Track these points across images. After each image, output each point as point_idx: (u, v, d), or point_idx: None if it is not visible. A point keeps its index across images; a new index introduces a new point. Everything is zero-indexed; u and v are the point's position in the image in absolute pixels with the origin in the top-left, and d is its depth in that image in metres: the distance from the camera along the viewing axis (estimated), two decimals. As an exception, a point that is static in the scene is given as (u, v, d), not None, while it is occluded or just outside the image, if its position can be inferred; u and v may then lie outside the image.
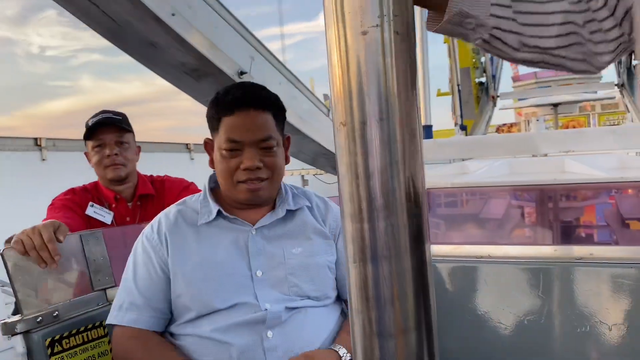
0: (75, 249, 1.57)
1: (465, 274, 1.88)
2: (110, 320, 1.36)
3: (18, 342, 1.35)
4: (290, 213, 1.42)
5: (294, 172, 12.40)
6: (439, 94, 13.50)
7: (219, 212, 1.38)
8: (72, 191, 2.17)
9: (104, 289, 1.60)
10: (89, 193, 2.17)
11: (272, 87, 2.68)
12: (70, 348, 1.42)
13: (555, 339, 1.69)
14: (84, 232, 1.63)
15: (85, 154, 2.20)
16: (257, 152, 1.32)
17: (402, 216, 0.39)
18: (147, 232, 1.42)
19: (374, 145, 0.39)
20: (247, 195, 1.35)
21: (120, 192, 2.20)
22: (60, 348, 1.39)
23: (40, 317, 1.38)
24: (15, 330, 1.35)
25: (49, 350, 1.37)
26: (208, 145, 1.41)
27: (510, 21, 0.63)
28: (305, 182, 13.14)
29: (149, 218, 2.33)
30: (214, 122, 1.35)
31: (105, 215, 2.13)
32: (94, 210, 2.11)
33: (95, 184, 2.21)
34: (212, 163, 1.41)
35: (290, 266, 1.33)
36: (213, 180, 1.46)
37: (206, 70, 2.19)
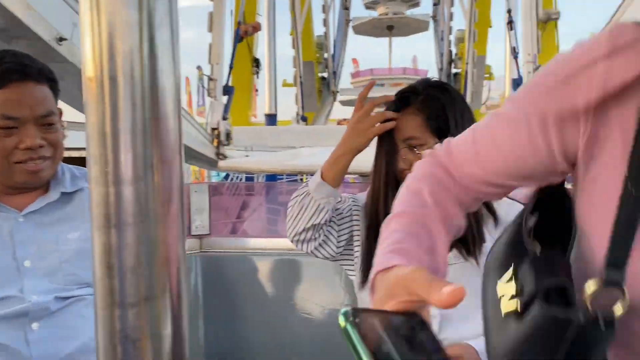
0: None
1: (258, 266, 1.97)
2: None
3: None
4: (68, 196, 1.30)
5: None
6: (285, 84, 13.81)
7: None
8: None
9: None
10: None
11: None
12: None
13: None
14: None
15: None
16: (38, 129, 1.20)
17: (154, 180, 0.37)
18: None
19: (124, 102, 0.37)
20: (27, 178, 1.22)
21: None
22: None
23: None
24: None
25: None
26: None
27: None
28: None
29: None
30: None
31: None
32: None
33: None
34: None
35: (65, 253, 1.23)
36: None
37: (18, 33, 1.95)
